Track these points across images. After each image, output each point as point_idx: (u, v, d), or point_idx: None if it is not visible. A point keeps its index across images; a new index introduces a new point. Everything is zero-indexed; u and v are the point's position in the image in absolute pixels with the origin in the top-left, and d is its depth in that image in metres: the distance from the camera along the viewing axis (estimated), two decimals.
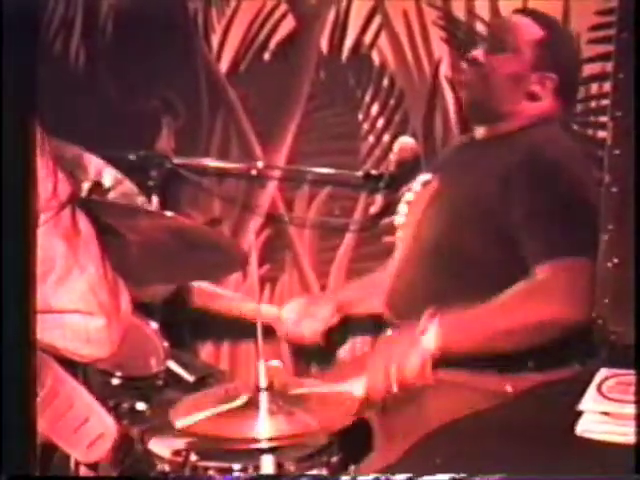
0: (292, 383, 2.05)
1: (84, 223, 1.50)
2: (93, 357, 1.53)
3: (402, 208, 2.57)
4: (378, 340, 2.38)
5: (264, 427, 1.91)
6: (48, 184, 1.43)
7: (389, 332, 2.45)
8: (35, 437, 1.43)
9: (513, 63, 2.42)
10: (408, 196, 2.56)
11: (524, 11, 2.58)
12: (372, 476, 1.74)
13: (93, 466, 1.75)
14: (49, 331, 1.47)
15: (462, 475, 1.50)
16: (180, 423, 1.97)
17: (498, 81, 2.43)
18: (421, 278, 2.41)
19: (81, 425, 1.59)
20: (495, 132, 2.45)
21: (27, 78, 1.33)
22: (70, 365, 1.79)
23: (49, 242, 1.43)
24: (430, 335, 2.20)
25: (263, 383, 1.94)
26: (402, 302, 2.45)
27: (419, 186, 2.54)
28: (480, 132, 2.50)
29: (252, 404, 1.95)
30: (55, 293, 1.45)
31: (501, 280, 2.24)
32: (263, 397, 1.93)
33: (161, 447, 2.12)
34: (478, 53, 2.47)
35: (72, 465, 1.97)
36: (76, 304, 1.47)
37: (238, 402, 1.97)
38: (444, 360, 2.23)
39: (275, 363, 1.99)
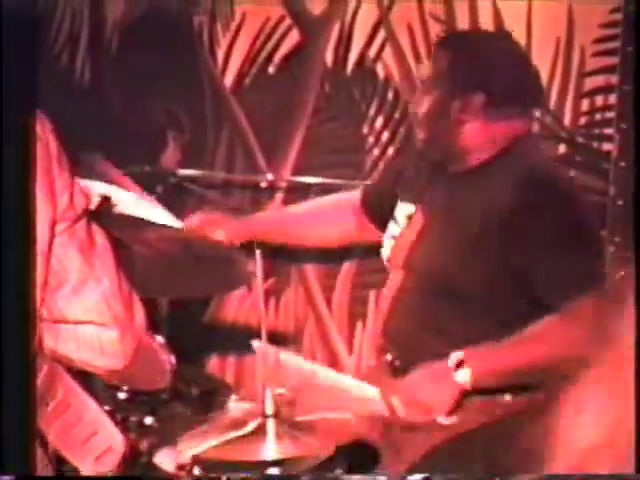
0: (298, 409, 2.07)
1: (100, 235, 1.51)
2: (107, 369, 1.54)
3: (387, 241, 2.53)
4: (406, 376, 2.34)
5: (271, 452, 1.93)
6: (64, 196, 1.44)
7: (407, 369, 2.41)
8: (35, 437, 1.43)
9: (435, 100, 2.36)
10: (394, 229, 2.52)
11: (438, 42, 2.52)
12: (386, 475, 1.75)
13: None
14: (64, 342, 1.48)
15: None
16: (189, 452, 1.99)
17: (434, 124, 2.38)
18: (418, 310, 2.39)
19: (89, 437, 1.59)
20: (469, 164, 2.39)
21: (28, 87, 1.34)
22: (79, 378, 1.79)
23: (64, 253, 1.44)
24: (464, 372, 2.20)
25: (270, 410, 1.96)
26: (399, 331, 2.44)
27: (404, 219, 2.49)
28: (448, 166, 2.44)
29: (259, 431, 1.96)
30: (70, 304, 1.46)
31: (505, 312, 2.25)
32: (270, 424, 1.95)
33: (166, 461, 2.12)
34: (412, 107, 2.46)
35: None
36: (90, 315, 1.48)
37: (246, 429, 1.99)
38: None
39: (281, 391, 2.01)
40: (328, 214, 2.79)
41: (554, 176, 2.35)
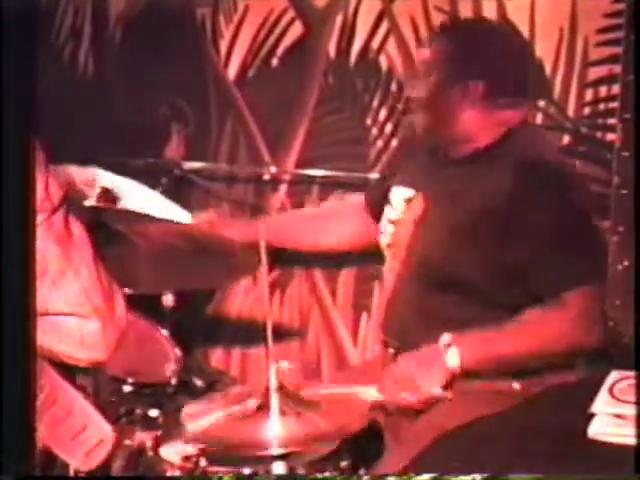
0: (303, 385, 2.06)
1: (77, 226, 1.50)
2: (89, 360, 1.53)
3: (386, 226, 2.52)
4: (397, 358, 2.35)
5: (275, 430, 1.92)
6: (39, 187, 1.43)
7: (392, 350, 2.43)
8: (35, 437, 1.43)
9: (435, 86, 2.36)
10: (390, 213, 2.51)
11: (441, 29, 2.51)
12: (393, 476, 1.74)
13: (91, 474, 1.74)
14: (45, 334, 1.46)
15: (487, 474, 1.50)
16: (192, 426, 1.98)
17: (433, 109, 2.38)
18: (417, 301, 2.38)
19: (79, 432, 1.58)
20: (469, 150, 2.39)
21: (27, 82, 1.33)
22: (81, 371, 1.79)
23: (42, 244, 1.43)
24: (453, 354, 2.22)
25: (274, 385, 1.95)
26: (398, 323, 2.44)
27: (402, 203, 2.48)
28: (448, 152, 2.44)
29: (263, 406, 1.96)
30: (50, 296, 1.45)
31: (502, 303, 2.25)
32: (274, 399, 1.94)
33: (172, 453, 2.12)
34: (410, 91, 2.44)
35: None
36: (70, 307, 1.47)
37: (249, 404, 1.98)
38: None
39: (285, 364, 2.00)
40: (335, 220, 2.78)
41: (555, 164, 2.35)
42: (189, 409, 2.06)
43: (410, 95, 2.46)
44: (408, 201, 2.46)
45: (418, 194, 2.45)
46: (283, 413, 1.94)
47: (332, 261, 3.21)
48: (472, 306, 2.29)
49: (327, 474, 2.02)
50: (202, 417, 2.00)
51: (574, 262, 2.21)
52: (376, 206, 2.66)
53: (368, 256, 3.02)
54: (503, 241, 2.25)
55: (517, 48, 2.48)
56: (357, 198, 2.78)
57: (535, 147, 2.38)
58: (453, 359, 2.22)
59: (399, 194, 2.49)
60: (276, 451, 1.92)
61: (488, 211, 2.27)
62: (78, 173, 2.41)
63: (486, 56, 2.36)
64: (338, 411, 2.03)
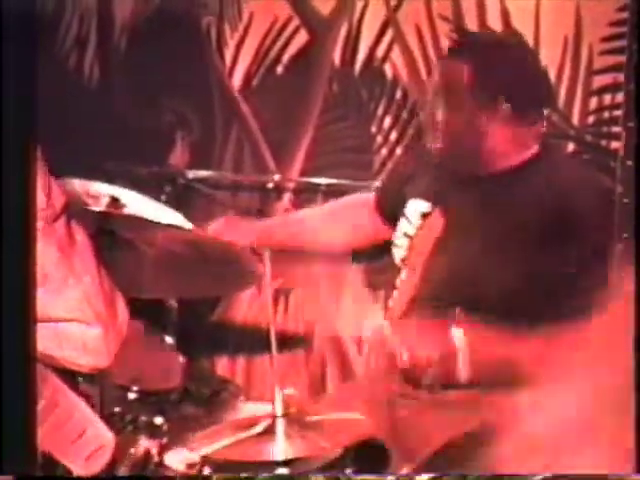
0: (308, 409, 2.08)
1: (79, 233, 1.51)
2: (91, 366, 1.54)
3: (400, 240, 2.52)
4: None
5: (280, 452, 1.94)
6: (42, 195, 1.44)
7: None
8: (35, 437, 1.43)
9: (457, 113, 2.35)
10: (406, 227, 2.51)
11: (451, 52, 2.48)
12: (394, 475, 1.75)
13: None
14: (45, 340, 1.47)
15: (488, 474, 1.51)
16: (199, 452, 2.00)
17: (457, 131, 2.37)
18: (435, 315, 2.37)
19: (79, 437, 1.59)
20: (495, 169, 2.38)
21: (29, 90, 1.34)
22: (86, 379, 1.79)
23: (44, 252, 1.44)
24: (459, 335, 2.20)
25: (279, 411, 1.97)
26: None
27: (418, 217, 2.47)
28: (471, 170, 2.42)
29: (269, 431, 1.98)
30: (51, 302, 1.46)
31: (523, 323, 2.23)
32: (280, 424, 1.96)
33: (175, 461, 2.13)
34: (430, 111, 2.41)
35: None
36: (72, 313, 1.48)
37: (256, 430, 2.00)
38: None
39: (290, 391, 2.02)
40: (342, 218, 2.79)
41: (586, 183, 2.33)
42: (197, 435, 2.08)
43: (429, 114, 2.41)
44: (424, 216, 2.45)
45: (435, 209, 2.43)
46: (289, 437, 1.97)
47: (337, 268, 3.21)
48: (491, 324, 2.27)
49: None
50: (209, 443, 2.03)
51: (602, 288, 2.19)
52: (387, 208, 2.65)
53: (374, 261, 3.03)
54: (532, 259, 2.24)
55: (531, 59, 2.47)
56: (366, 197, 2.78)
57: (565, 164, 2.37)
58: (460, 340, 2.19)
59: (416, 207, 2.48)
60: (280, 457, 1.94)
61: (518, 231, 2.25)
62: (84, 185, 2.42)
63: (505, 75, 2.33)
64: (341, 432, 2.04)
